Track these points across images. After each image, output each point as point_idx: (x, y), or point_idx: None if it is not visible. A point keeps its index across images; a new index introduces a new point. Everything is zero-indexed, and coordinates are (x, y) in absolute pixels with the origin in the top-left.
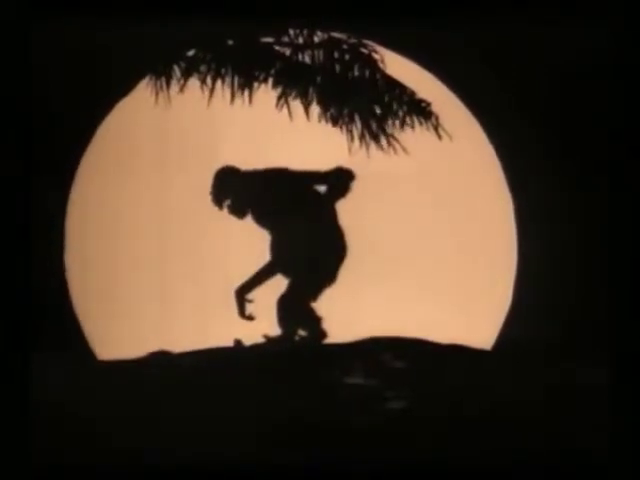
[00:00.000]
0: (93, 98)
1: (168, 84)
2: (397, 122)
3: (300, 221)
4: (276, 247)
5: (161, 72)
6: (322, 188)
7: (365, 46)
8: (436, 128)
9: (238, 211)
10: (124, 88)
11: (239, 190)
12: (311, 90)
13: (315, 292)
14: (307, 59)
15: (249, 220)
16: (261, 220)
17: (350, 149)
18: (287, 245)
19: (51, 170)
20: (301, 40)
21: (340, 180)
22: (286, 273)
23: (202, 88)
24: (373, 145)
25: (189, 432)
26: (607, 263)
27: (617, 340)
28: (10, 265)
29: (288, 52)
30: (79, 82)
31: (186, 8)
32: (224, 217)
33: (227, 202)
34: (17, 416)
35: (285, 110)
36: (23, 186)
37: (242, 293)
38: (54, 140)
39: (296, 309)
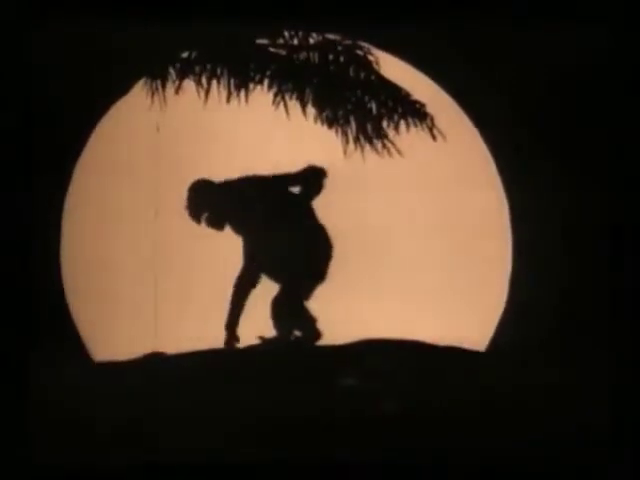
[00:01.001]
0: (92, 98)
1: (164, 85)
2: (392, 123)
3: (280, 224)
4: (261, 254)
5: (156, 73)
6: (296, 189)
7: (360, 47)
8: (431, 129)
9: (216, 223)
10: (123, 88)
11: (215, 202)
12: (307, 91)
13: (307, 292)
14: (302, 60)
15: None
16: (241, 229)
17: (345, 151)
18: (271, 250)
19: (49, 170)
20: (296, 41)
21: (313, 179)
22: (275, 278)
23: (197, 89)
24: (368, 147)
25: (187, 432)
26: (606, 263)
27: (617, 340)
28: (9, 266)
29: (283, 53)
30: (79, 82)
31: (182, 10)
32: None
33: (204, 215)
34: (17, 416)
35: (281, 112)
36: (23, 186)
37: (232, 328)
38: (53, 140)
39: (290, 310)
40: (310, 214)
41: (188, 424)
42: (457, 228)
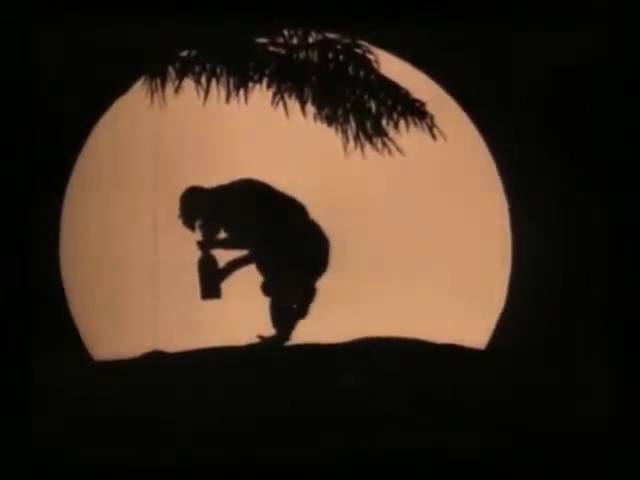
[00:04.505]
0: (92, 97)
1: (163, 85)
2: (392, 122)
3: (274, 225)
4: (257, 255)
5: (156, 72)
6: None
7: (359, 46)
8: (431, 128)
9: (210, 230)
10: (122, 88)
11: (207, 209)
12: (306, 90)
13: (306, 289)
14: (301, 59)
15: None
16: (234, 233)
17: (345, 149)
18: (269, 251)
19: (49, 170)
20: (295, 40)
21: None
22: (274, 279)
23: (197, 89)
24: (368, 145)
25: (187, 431)
26: (606, 263)
27: (617, 340)
28: (9, 266)
29: (282, 52)
30: (78, 82)
31: (182, 8)
32: None
33: (198, 222)
34: (17, 416)
35: (281, 110)
36: (22, 186)
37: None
38: (52, 139)
39: (289, 308)
40: (304, 213)
41: (188, 423)
42: (456, 227)
